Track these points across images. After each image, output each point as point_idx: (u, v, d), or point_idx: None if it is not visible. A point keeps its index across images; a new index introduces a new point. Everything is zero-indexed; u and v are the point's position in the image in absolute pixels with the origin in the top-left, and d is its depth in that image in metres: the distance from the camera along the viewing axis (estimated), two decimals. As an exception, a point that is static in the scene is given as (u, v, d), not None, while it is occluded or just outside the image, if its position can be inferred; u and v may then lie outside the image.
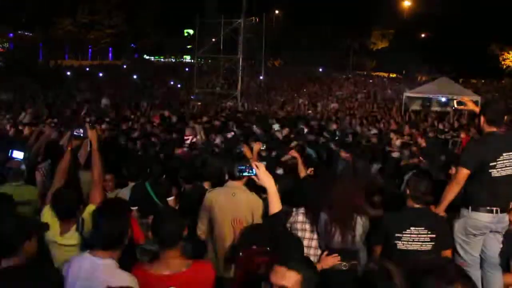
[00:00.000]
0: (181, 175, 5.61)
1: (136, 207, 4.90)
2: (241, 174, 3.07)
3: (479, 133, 4.36)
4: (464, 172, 4.10)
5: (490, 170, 4.07)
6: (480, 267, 4.32)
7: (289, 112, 23.83)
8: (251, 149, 6.22)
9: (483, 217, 4.13)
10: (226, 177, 4.52)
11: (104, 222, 2.79)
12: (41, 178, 5.56)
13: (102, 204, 3.03)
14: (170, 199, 5.37)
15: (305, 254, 4.00)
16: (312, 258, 4.12)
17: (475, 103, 5.16)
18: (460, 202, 4.27)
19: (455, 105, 4.94)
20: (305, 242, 4.11)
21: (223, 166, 5.02)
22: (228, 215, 4.14)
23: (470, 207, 4.17)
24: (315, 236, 4.16)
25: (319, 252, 4.14)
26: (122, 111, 17.66)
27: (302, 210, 4.22)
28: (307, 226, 4.18)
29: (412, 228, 3.79)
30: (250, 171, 2.95)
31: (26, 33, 43.49)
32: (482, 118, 4.22)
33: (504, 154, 4.07)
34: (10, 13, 39.04)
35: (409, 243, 3.79)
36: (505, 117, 4.29)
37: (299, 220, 4.16)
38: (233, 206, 4.10)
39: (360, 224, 3.98)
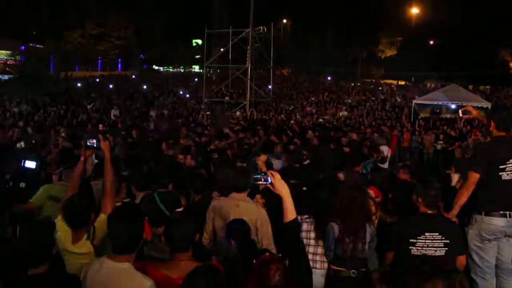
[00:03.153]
0: (191, 185, 5.61)
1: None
2: (256, 182, 3.11)
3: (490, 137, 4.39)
4: (475, 176, 4.11)
5: (500, 173, 4.07)
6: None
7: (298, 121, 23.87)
8: None
9: (497, 222, 4.11)
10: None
11: (119, 227, 2.81)
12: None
13: (116, 209, 3.07)
14: (179, 210, 5.37)
15: (310, 261, 4.02)
16: (318, 265, 4.14)
17: (485, 109, 5.22)
18: (473, 208, 4.26)
19: (461, 114, 5.05)
20: (311, 249, 4.13)
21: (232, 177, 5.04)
22: None
23: (483, 213, 4.16)
24: (320, 243, 4.17)
25: (324, 258, 4.15)
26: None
27: (306, 218, 4.22)
28: (312, 235, 4.20)
29: (426, 234, 3.80)
30: (265, 180, 2.99)
31: (37, 46, 44.05)
32: (492, 124, 4.23)
33: None
34: (20, 27, 39.64)
35: (424, 248, 3.79)
36: None
37: (304, 229, 4.16)
38: (237, 217, 4.07)
39: (369, 232, 3.99)
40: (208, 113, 26.05)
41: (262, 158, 6.70)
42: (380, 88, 41.61)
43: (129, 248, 2.84)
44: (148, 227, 4.33)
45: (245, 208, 4.13)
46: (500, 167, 4.07)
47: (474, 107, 19.53)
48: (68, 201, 3.68)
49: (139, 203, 5.25)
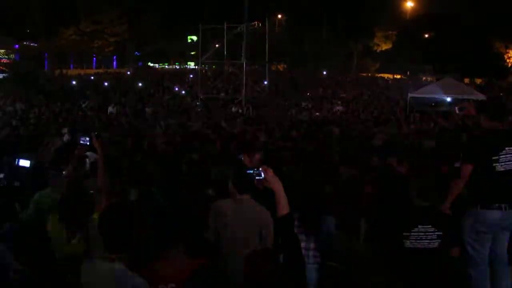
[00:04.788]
0: (183, 181, 5.60)
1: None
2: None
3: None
4: (468, 168, 4.12)
5: (494, 164, 4.08)
6: (489, 265, 4.31)
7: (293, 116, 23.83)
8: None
9: (493, 214, 4.12)
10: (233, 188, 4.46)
11: (110, 226, 2.80)
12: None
13: (107, 208, 3.04)
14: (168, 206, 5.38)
15: (304, 255, 4.02)
16: (311, 260, 4.15)
17: (481, 102, 5.23)
18: (468, 201, 4.27)
19: (457, 111, 5.06)
20: (303, 244, 4.12)
21: (228, 174, 5.02)
22: (235, 228, 4.06)
23: (478, 206, 4.16)
24: (312, 239, 4.18)
25: (317, 253, 4.16)
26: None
27: (296, 215, 4.21)
28: (303, 231, 4.20)
29: (420, 227, 3.79)
30: (258, 175, 2.98)
31: (31, 44, 43.80)
32: (484, 115, 4.24)
33: (506, 148, 4.09)
34: (14, 25, 39.41)
35: (417, 241, 3.79)
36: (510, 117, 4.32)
37: (296, 225, 4.15)
38: (242, 219, 4.03)
39: (363, 226, 4.01)
40: (200, 109, 25.95)
41: (257, 156, 6.60)
42: (376, 82, 41.66)
43: (121, 247, 2.79)
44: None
45: (248, 209, 4.07)
46: (493, 158, 4.08)
47: (469, 99, 19.54)
48: (62, 200, 3.67)
49: (137, 199, 5.26)
